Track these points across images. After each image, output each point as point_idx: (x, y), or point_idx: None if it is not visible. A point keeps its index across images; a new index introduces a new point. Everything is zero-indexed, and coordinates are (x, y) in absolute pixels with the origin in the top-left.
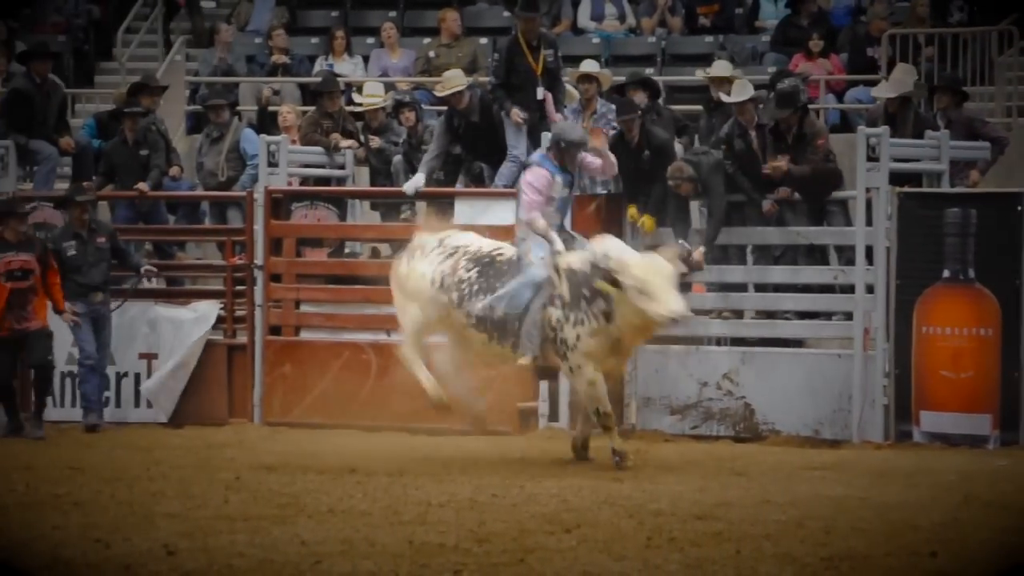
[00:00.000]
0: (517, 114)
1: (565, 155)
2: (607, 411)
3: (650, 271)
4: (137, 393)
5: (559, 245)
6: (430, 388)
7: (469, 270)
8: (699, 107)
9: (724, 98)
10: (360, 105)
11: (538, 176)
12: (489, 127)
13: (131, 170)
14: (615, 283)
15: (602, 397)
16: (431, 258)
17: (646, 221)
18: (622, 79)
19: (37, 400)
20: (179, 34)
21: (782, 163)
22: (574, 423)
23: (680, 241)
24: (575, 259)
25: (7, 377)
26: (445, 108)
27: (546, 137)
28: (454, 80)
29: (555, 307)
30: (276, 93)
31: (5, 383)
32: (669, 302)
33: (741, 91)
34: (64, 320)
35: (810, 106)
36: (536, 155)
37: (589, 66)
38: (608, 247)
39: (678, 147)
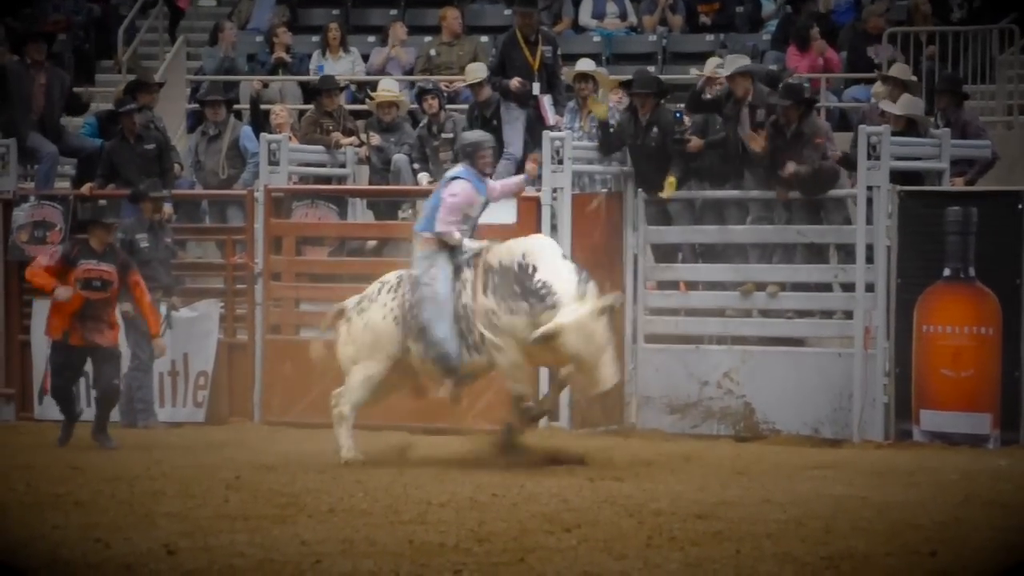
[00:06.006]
0: (517, 81)
1: (476, 160)
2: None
3: (588, 339)
4: None
5: (480, 244)
6: (347, 452)
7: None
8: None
9: (718, 71)
10: (372, 99)
11: (461, 193)
12: (499, 127)
13: (135, 167)
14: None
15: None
16: (380, 302)
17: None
18: (627, 77)
19: (100, 417)
20: (182, 32)
21: (793, 168)
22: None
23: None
24: (500, 255)
25: (69, 386)
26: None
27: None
28: (475, 72)
29: (486, 298)
30: (265, 87)
31: (67, 392)
32: (604, 375)
33: (732, 63)
34: (156, 347)
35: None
36: (458, 168)
37: (585, 65)
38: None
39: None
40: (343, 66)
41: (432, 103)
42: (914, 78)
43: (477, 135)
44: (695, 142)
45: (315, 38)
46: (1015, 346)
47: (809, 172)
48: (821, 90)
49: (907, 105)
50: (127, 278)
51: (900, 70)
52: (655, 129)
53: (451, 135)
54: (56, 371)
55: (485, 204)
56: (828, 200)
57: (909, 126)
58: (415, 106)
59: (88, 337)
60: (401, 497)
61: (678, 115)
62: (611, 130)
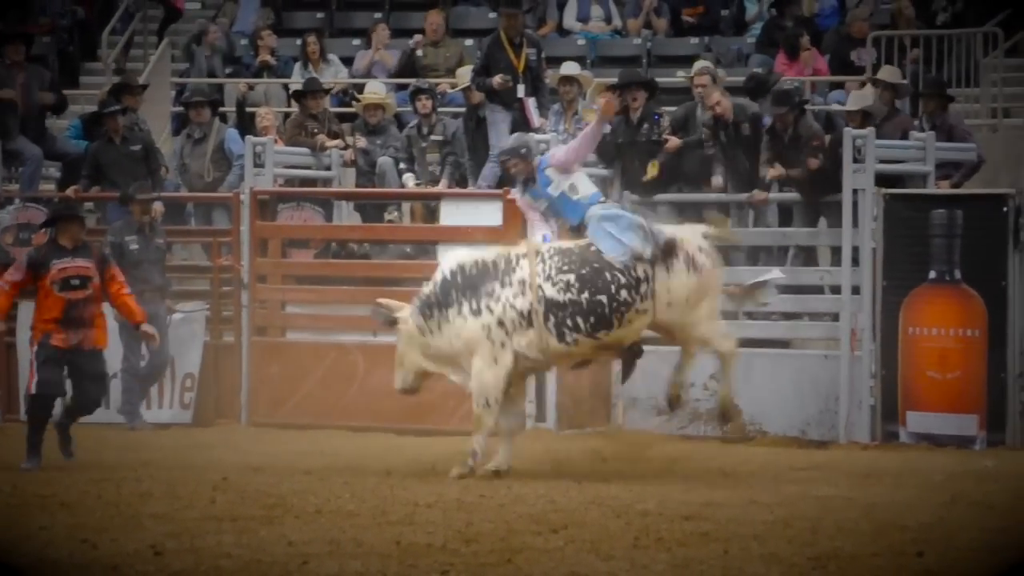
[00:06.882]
0: (499, 78)
1: (511, 168)
2: None
3: None
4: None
5: None
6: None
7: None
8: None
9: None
10: (358, 101)
11: (520, 202)
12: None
13: (122, 169)
14: None
15: None
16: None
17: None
18: (613, 80)
19: (65, 424)
20: (169, 35)
21: (778, 171)
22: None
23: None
24: None
25: (57, 391)
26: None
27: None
28: (466, 76)
29: None
30: (251, 89)
31: (53, 387)
32: None
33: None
34: (144, 337)
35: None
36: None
37: (570, 68)
38: None
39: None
40: (326, 77)
41: (426, 103)
42: (904, 81)
43: (508, 143)
44: (672, 141)
45: (299, 41)
46: (1001, 348)
47: (801, 175)
48: (807, 94)
49: (857, 100)
50: (105, 272)
51: (889, 73)
52: (646, 125)
53: (440, 138)
54: (42, 365)
55: (558, 186)
56: (824, 204)
57: (865, 120)
58: (407, 108)
59: (72, 341)
60: (388, 498)
61: (656, 116)
62: (606, 137)
